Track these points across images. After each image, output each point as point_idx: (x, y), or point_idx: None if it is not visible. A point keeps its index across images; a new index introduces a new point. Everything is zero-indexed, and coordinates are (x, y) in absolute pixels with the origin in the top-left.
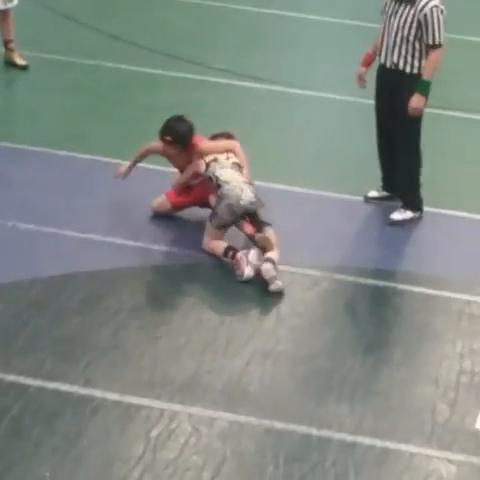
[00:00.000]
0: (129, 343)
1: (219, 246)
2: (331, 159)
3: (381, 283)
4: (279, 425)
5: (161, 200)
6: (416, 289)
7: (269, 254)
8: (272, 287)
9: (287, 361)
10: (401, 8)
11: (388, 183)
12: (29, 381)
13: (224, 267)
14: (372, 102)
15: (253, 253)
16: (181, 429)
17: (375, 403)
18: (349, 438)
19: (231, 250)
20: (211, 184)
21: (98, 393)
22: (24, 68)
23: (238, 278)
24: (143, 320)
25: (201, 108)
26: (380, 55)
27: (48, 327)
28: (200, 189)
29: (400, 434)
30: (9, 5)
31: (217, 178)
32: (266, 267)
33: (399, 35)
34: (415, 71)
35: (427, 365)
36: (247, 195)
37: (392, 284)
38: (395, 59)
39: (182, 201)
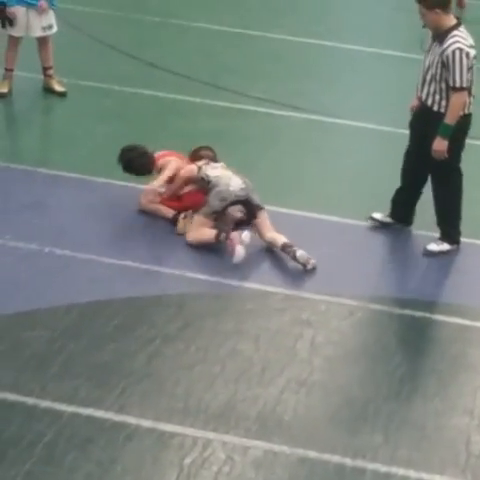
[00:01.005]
0: (163, 370)
1: (207, 232)
2: (367, 189)
3: (417, 313)
4: (313, 454)
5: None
6: (451, 320)
7: (282, 239)
8: (309, 266)
9: (321, 390)
10: (433, 45)
11: (397, 211)
12: (63, 407)
13: (258, 296)
14: (407, 132)
15: (246, 234)
16: (215, 457)
17: (409, 433)
18: (383, 468)
19: (221, 233)
20: (204, 185)
21: (132, 420)
22: (62, 95)
23: (233, 260)
24: (177, 348)
25: (238, 136)
26: (419, 89)
27: (83, 353)
28: (189, 198)
29: (434, 465)
30: (48, 32)
31: (208, 176)
32: (300, 253)
33: (429, 73)
34: (442, 110)
35: (462, 396)
36: (236, 182)
37: (427, 314)
38: (424, 96)
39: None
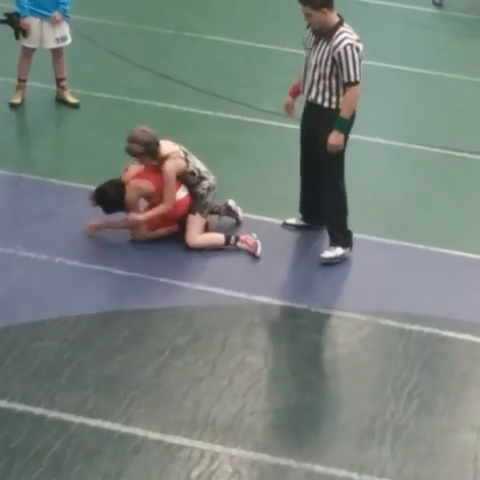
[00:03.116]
0: (172, 383)
1: (216, 237)
2: (378, 204)
3: (426, 329)
4: (320, 469)
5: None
6: (461, 336)
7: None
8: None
9: (329, 405)
10: (319, 43)
11: (306, 214)
12: (71, 418)
13: (267, 310)
14: (420, 147)
15: (244, 238)
16: (222, 470)
17: (417, 449)
18: None
19: (231, 236)
20: (193, 181)
21: (140, 432)
22: (75, 106)
23: (258, 255)
24: (186, 360)
25: (250, 150)
26: (303, 88)
27: (92, 364)
28: (184, 205)
29: None
30: (62, 44)
31: (199, 171)
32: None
33: (317, 71)
34: (333, 106)
35: (470, 413)
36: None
37: (437, 330)
38: (313, 95)
39: (157, 223)
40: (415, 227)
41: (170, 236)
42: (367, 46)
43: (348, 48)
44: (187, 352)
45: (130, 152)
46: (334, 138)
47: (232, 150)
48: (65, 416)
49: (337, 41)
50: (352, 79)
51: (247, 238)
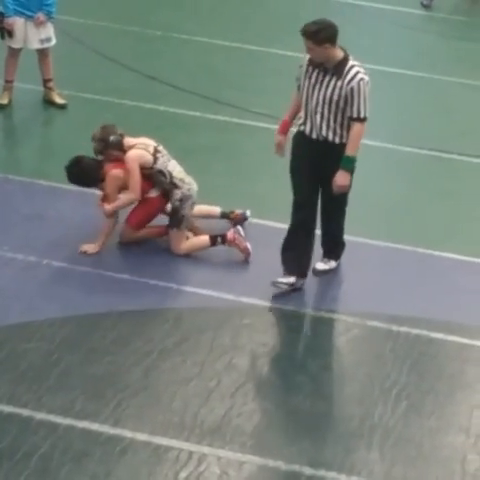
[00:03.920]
0: (159, 384)
1: (201, 240)
2: (366, 205)
3: (414, 331)
4: (308, 471)
5: (125, 231)
6: (449, 338)
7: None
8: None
9: (318, 406)
10: (326, 79)
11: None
12: (59, 420)
13: (255, 311)
14: (408, 149)
15: (238, 229)
16: (209, 472)
17: (405, 451)
18: None
19: (217, 236)
20: (162, 182)
21: (128, 433)
22: (62, 107)
23: (246, 256)
24: (174, 362)
25: (238, 151)
26: (304, 125)
27: (79, 366)
28: (156, 204)
29: None
30: (46, 45)
31: (171, 174)
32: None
33: (326, 107)
34: (344, 141)
35: (458, 414)
36: (190, 178)
37: (425, 332)
38: (324, 132)
39: (142, 220)
40: (403, 228)
41: (158, 239)
42: (355, 48)
43: (361, 83)
44: (175, 353)
45: (95, 152)
46: (342, 179)
47: (220, 151)
48: (53, 418)
49: (350, 76)
50: (362, 115)
51: (235, 238)
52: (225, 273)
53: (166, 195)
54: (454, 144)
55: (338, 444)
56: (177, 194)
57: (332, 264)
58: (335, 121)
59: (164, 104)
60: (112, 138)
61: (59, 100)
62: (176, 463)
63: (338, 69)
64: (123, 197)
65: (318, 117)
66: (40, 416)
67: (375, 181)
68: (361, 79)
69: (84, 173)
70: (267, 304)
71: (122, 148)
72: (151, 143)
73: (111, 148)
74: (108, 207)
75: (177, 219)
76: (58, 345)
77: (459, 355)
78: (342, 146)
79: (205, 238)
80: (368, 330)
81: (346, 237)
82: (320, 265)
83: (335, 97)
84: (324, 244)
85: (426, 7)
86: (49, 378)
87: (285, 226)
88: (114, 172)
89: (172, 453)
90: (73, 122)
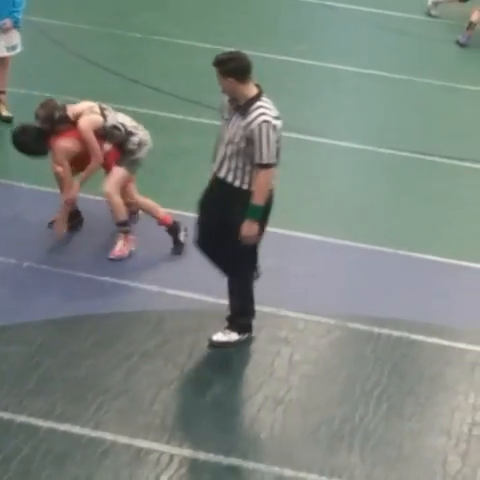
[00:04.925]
0: (140, 387)
1: (123, 209)
2: (347, 207)
3: (395, 333)
4: (289, 473)
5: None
6: (430, 340)
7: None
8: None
9: (298, 409)
10: (234, 117)
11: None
12: (40, 423)
13: None
14: (390, 152)
15: (132, 238)
16: (190, 475)
17: (386, 453)
18: None
19: (127, 225)
20: (118, 135)
21: (108, 436)
22: (8, 121)
23: (115, 254)
24: (155, 364)
25: None
26: (214, 160)
27: (60, 369)
28: (113, 158)
29: None
30: (12, 52)
31: (124, 125)
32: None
33: (229, 147)
34: (245, 187)
35: (439, 416)
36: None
37: (406, 334)
38: (223, 173)
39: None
40: (384, 231)
41: (140, 241)
42: (337, 50)
43: (263, 126)
44: (156, 356)
45: (44, 132)
46: (247, 228)
47: (203, 154)
48: (33, 420)
49: (252, 117)
50: (264, 161)
51: (130, 242)
52: (205, 275)
53: (120, 145)
54: (437, 146)
55: (319, 446)
56: (135, 140)
57: (233, 337)
58: (237, 163)
59: (146, 107)
60: (57, 115)
61: (5, 113)
62: (157, 466)
63: (245, 108)
64: (89, 167)
65: (221, 155)
66: (21, 419)
67: (358, 183)
68: (264, 121)
69: (29, 142)
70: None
71: (69, 120)
72: (94, 104)
73: (58, 124)
74: (73, 189)
75: (130, 160)
76: (38, 348)
77: (440, 357)
78: (246, 192)
79: (125, 213)
80: (349, 332)
81: (328, 239)
82: (218, 335)
83: (236, 138)
84: (229, 307)
85: (462, 46)
86: (29, 381)
87: (267, 228)
88: (61, 144)
89: (153, 456)
90: None
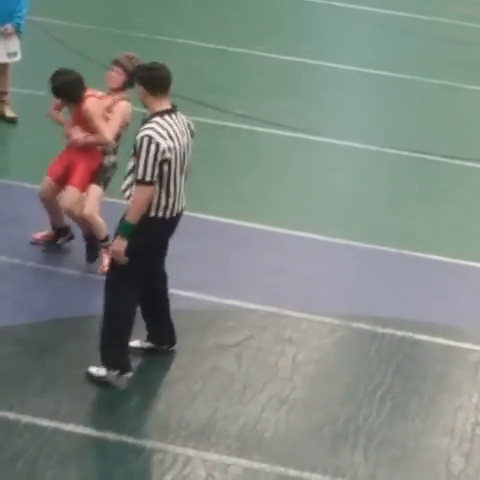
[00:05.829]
0: (144, 387)
1: (104, 228)
2: (350, 207)
3: (399, 332)
4: (293, 473)
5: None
6: (434, 340)
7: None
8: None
9: (302, 408)
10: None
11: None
12: (45, 423)
13: (240, 313)
14: (392, 151)
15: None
16: (195, 475)
17: (390, 453)
18: None
19: (108, 239)
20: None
21: (113, 436)
22: (12, 121)
23: (105, 271)
24: (159, 364)
25: (221, 153)
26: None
27: (64, 369)
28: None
29: None
30: (13, 59)
31: (117, 140)
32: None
33: (132, 160)
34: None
35: (443, 416)
36: None
37: (410, 334)
38: (124, 187)
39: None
40: (387, 230)
41: None
42: (339, 49)
43: (144, 140)
44: (160, 356)
45: (124, 85)
46: (115, 244)
47: (203, 153)
48: (38, 421)
49: (140, 130)
50: (140, 177)
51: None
52: (208, 275)
53: (102, 153)
54: (438, 146)
55: (323, 446)
56: (113, 158)
57: (101, 372)
58: (132, 179)
59: None
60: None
61: (10, 113)
62: (161, 466)
63: (145, 121)
64: (97, 136)
65: (127, 170)
66: (26, 419)
67: (360, 183)
68: (145, 136)
69: (69, 84)
70: (249, 306)
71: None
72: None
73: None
74: (79, 136)
75: (104, 177)
76: (43, 348)
77: (444, 357)
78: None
79: (105, 231)
80: (353, 332)
81: (331, 239)
82: (92, 368)
83: (131, 151)
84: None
85: None
86: (34, 381)
87: (268, 228)
88: (95, 100)
89: (157, 456)
90: (55, 125)
